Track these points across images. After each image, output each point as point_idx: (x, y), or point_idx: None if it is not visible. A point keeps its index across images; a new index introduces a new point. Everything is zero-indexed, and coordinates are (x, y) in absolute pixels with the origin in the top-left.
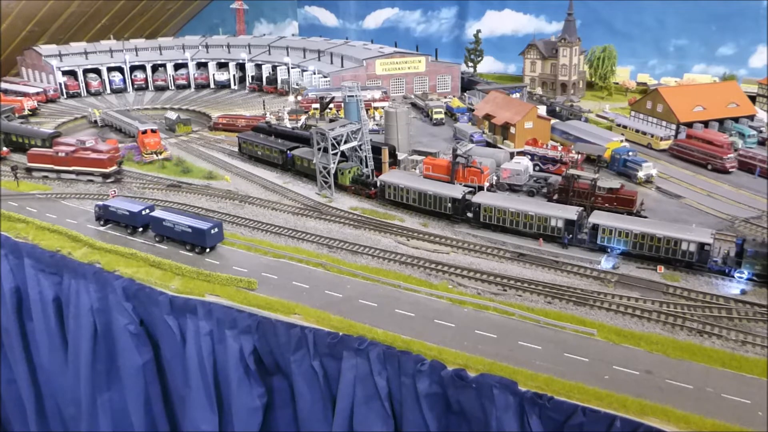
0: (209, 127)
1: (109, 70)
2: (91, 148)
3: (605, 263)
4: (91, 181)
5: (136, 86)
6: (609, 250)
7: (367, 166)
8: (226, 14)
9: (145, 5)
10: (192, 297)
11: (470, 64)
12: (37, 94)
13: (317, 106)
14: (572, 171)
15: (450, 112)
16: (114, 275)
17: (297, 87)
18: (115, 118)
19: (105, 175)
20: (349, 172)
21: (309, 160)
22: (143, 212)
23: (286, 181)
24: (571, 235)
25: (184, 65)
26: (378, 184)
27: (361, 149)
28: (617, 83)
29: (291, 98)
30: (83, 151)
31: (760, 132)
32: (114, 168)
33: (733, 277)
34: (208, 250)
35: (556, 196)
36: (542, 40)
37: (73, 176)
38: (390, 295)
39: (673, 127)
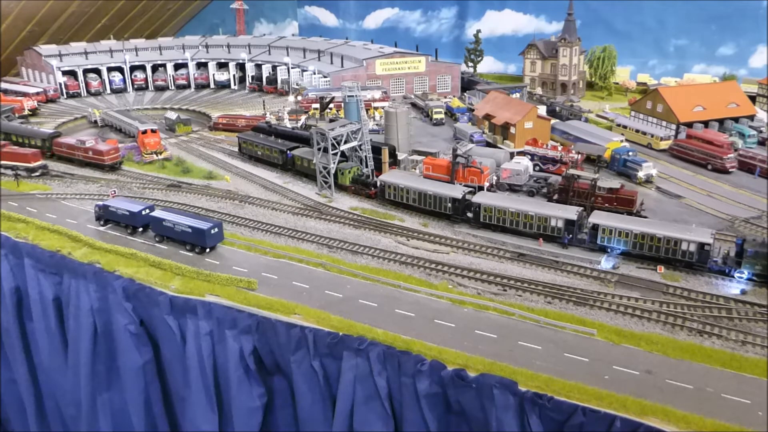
0: (209, 127)
1: (109, 70)
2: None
3: (605, 263)
4: (18, 174)
5: (136, 86)
6: (609, 250)
7: (367, 166)
8: (226, 14)
9: (145, 5)
10: (192, 297)
11: (470, 64)
12: (37, 94)
13: (317, 106)
14: (572, 171)
15: (450, 112)
16: (114, 275)
17: (297, 87)
18: (115, 118)
19: (29, 170)
20: (349, 172)
21: (309, 160)
22: (143, 212)
23: (286, 181)
24: (571, 235)
25: (184, 65)
26: (378, 184)
27: (361, 149)
28: (617, 83)
29: (291, 98)
30: (11, 147)
31: (760, 132)
32: (40, 163)
33: (733, 277)
34: (208, 250)
35: (556, 196)
36: (542, 40)
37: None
38: (390, 295)
39: (673, 127)
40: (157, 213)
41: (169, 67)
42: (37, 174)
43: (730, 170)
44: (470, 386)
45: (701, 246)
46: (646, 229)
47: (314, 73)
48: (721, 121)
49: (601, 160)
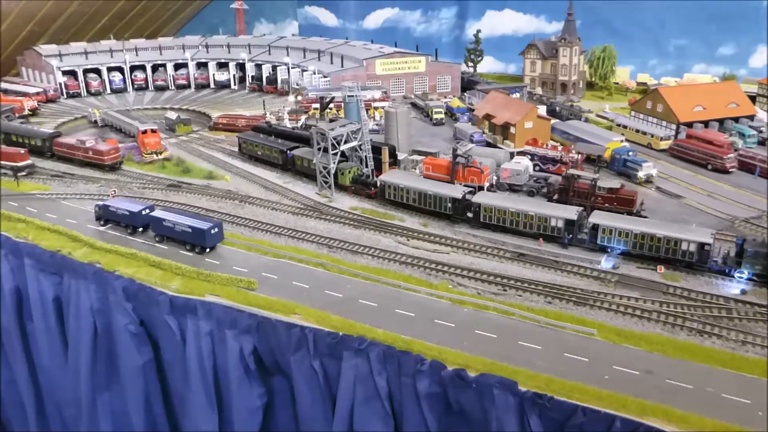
0: (209, 127)
1: (109, 70)
2: None
3: (605, 263)
4: (6, 173)
5: (136, 86)
6: (609, 250)
7: (367, 166)
8: (226, 14)
9: (145, 5)
10: (192, 297)
11: (470, 64)
12: (38, 94)
13: (317, 106)
14: (572, 171)
15: (450, 112)
16: (114, 275)
17: (297, 87)
18: (115, 118)
19: (16, 169)
20: (349, 172)
21: (309, 160)
22: (143, 212)
23: (286, 181)
24: (571, 235)
25: (184, 65)
26: (378, 184)
27: (361, 149)
28: (617, 83)
29: (291, 98)
30: None
31: (760, 132)
32: (26, 162)
33: (733, 277)
34: (208, 250)
35: (556, 196)
36: (542, 40)
37: None
38: (390, 295)
39: (673, 127)
40: (157, 213)
41: (169, 67)
42: (24, 174)
43: (730, 170)
44: (470, 386)
45: (701, 246)
46: (646, 229)
47: (314, 73)
48: (721, 121)
49: (601, 160)
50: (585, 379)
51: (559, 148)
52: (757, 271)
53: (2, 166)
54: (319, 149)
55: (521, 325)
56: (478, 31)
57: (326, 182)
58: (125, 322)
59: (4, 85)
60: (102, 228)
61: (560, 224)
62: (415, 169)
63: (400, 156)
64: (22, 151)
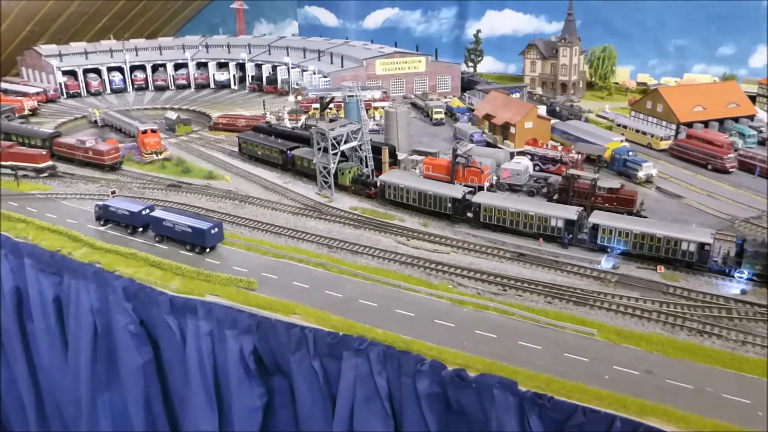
0: (209, 127)
1: (109, 70)
2: None
3: (605, 263)
4: (26, 175)
5: (136, 86)
6: (609, 250)
7: (367, 166)
8: (226, 14)
9: (145, 5)
10: (192, 297)
11: (470, 64)
12: (38, 94)
13: (317, 106)
14: (572, 171)
15: (450, 112)
16: (114, 275)
17: (297, 87)
18: (115, 118)
19: (38, 170)
20: (349, 172)
21: (309, 160)
22: (143, 212)
23: (286, 181)
24: (571, 235)
25: (184, 65)
26: (378, 184)
27: (361, 149)
28: (617, 83)
29: (291, 98)
30: (18, 147)
31: (760, 132)
32: (48, 163)
33: (733, 277)
34: (208, 250)
35: (556, 196)
36: (542, 40)
37: None
38: (390, 295)
39: (673, 127)
40: (157, 213)
41: (169, 67)
42: (45, 175)
43: (730, 170)
44: (470, 386)
45: (701, 246)
46: (646, 229)
47: (314, 73)
48: (721, 121)
49: (601, 160)
50: (585, 379)
51: (559, 148)
52: (757, 271)
53: (23, 168)
54: (319, 149)
55: (521, 325)
56: (478, 31)
57: (326, 182)
58: (125, 322)
59: (4, 85)
60: (102, 228)
61: (560, 224)
62: (415, 169)
63: (400, 156)
64: (44, 152)
